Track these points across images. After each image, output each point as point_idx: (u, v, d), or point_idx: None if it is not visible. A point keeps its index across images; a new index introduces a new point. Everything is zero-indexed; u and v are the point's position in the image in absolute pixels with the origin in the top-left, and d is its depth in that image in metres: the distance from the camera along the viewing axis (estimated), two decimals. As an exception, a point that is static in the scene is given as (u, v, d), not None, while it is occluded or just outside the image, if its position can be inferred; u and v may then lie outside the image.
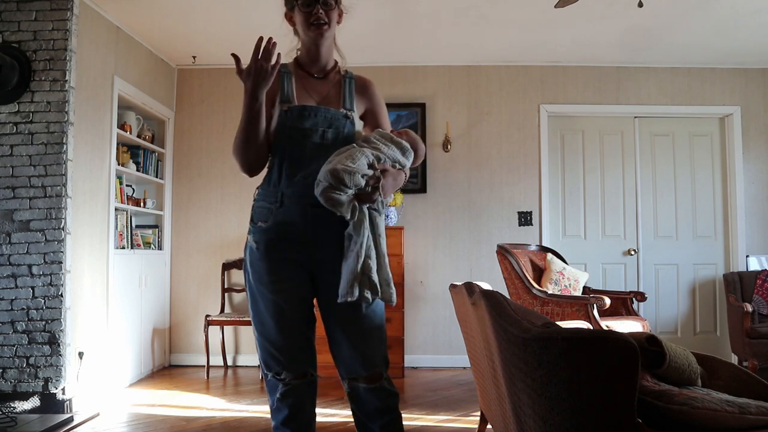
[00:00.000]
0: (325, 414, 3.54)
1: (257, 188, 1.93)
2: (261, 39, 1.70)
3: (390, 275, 1.86)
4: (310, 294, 1.90)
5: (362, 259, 1.79)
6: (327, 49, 1.94)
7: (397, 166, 1.90)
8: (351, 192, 1.75)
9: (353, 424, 1.97)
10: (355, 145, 1.87)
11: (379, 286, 1.81)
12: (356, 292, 1.77)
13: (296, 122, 1.85)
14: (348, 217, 1.78)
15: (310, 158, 1.83)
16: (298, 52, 1.98)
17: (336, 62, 2.01)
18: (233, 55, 1.76)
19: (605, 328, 3.72)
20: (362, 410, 1.87)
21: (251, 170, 1.89)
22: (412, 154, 1.96)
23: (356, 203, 1.78)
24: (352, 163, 1.74)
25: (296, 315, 1.86)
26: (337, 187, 1.72)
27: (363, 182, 1.76)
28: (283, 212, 1.83)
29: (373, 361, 1.86)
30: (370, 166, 1.80)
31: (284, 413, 1.84)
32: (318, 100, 1.92)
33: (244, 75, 1.72)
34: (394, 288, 1.86)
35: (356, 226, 1.79)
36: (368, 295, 1.79)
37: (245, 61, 1.73)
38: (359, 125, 1.98)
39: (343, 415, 3.56)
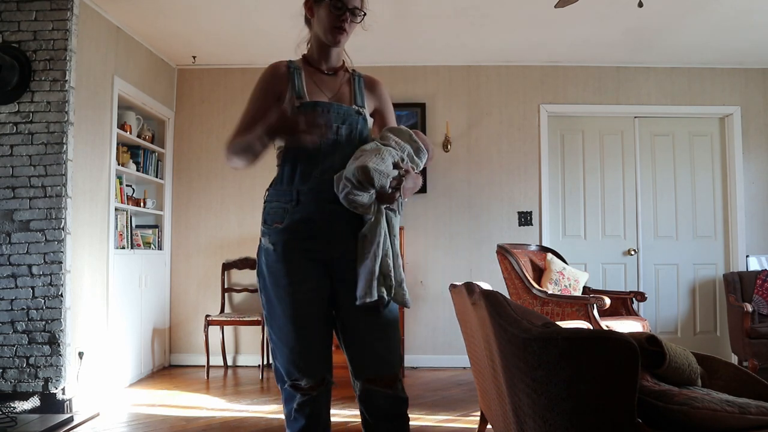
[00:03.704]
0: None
1: (268, 189, 1.89)
2: (326, 128, 1.71)
3: (403, 276, 1.82)
4: (329, 294, 1.85)
5: (380, 259, 1.75)
6: (338, 51, 1.97)
7: (414, 167, 1.87)
8: (374, 192, 1.73)
9: (357, 424, 1.97)
10: (377, 143, 1.85)
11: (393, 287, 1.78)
12: (375, 293, 1.73)
13: None
14: (367, 216, 1.76)
15: (325, 155, 1.81)
16: (308, 46, 1.98)
17: (343, 61, 2.02)
18: (285, 111, 1.72)
19: (605, 328, 3.72)
20: (373, 414, 1.84)
21: (245, 168, 1.91)
22: (426, 155, 1.95)
23: (376, 203, 1.76)
24: (382, 163, 1.72)
25: (315, 318, 1.82)
26: (363, 186, 1.69)
27: (388, 184, 1.74)
28: (299, 210, 1.79)
29: (391, 363, 1.83)
30: (395, 166, 1.78)
31: (301, 423, 1.81)
32: (330, 96, 1.91)
33: (283, 122, 1.68)
34: (407, 289, 1.82)
35: (373, 226, 1.76)
36: (385, 295, 1.76)
37: None
38: (370, 123, 1.97)
39: (344, 414, 3.55)
